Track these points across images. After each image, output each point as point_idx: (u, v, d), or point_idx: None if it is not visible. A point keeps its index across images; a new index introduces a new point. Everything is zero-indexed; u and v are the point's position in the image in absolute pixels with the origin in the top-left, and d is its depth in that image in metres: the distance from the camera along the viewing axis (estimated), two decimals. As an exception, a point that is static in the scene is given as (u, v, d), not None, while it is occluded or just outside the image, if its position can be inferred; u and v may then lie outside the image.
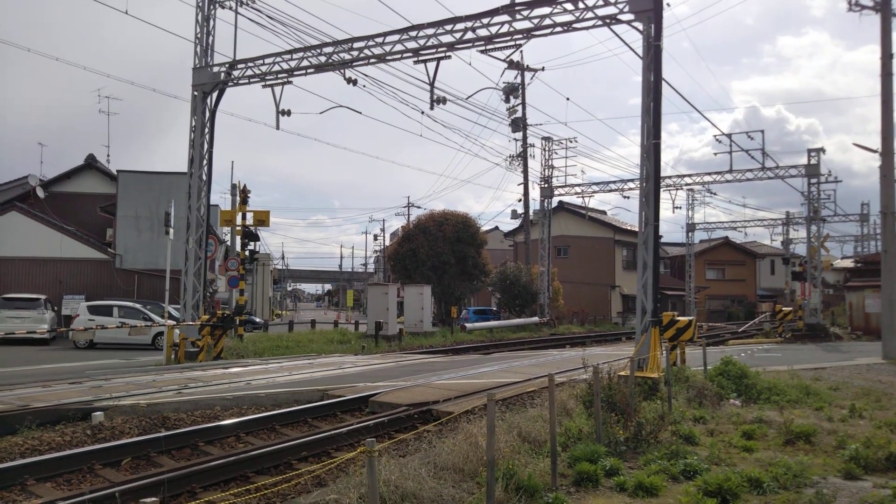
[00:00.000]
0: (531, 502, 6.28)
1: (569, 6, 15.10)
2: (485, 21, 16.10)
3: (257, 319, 40.75)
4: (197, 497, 6.64)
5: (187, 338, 18.40)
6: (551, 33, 15.84)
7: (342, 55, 18.08)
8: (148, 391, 11.53)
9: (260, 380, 13.54)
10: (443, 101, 18.61)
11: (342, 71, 18.82)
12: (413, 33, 16.93)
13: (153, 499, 3.29)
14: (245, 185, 22.88)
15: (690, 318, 15.27)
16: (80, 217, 34.53)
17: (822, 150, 34.42)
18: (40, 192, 33.74)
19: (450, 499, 6.16)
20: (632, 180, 37.43)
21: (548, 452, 7.30)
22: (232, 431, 9.29)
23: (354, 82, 19.28)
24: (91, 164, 36.90)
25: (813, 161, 34.25)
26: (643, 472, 7.26)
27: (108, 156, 41.11)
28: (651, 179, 13.81)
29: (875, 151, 21.17)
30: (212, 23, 19.99)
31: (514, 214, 46.62)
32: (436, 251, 36.93)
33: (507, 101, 41.04)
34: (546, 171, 39.63)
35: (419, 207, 68.36)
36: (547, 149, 39.77)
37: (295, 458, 8.15)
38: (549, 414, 7.15)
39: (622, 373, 10.60)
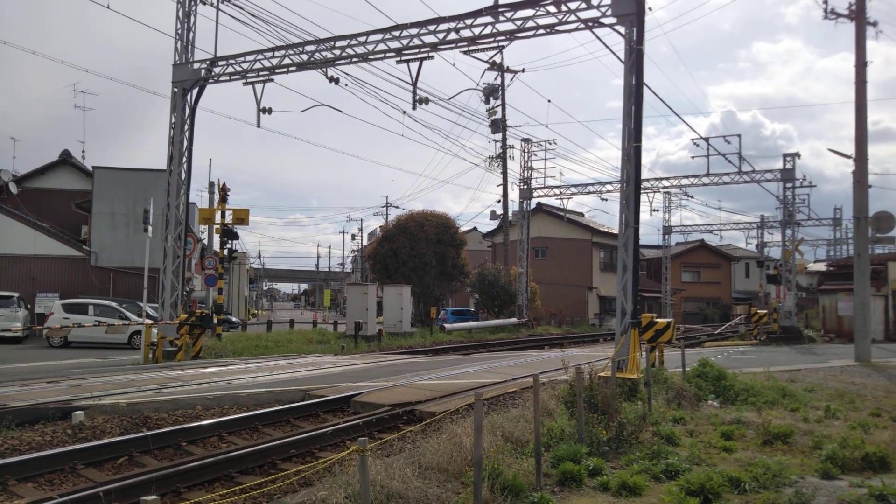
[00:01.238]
0: (516, 501, 6.33)
1: (552, 9, 15.19)
2: (468, 22, 16.16)
3: (234, 319, 40.47)
4: (182, 497, 6.61)
5: (165, 337, 18.24)
6: (534, 35, 15.95)
7: (324, 54, 18.04)
8: (128, 390, 11.42)
9: (240, 379, 13.47)
10: (425, 101, 18.64)
11: (324, 69, 18.79)
12: (396, 33, 16.94)
13: (154, 497, 3.27)
14: (224, 183, 22.73)
15: (669, 320, 15.43)
16: (55, 214, 34.04)
17: (796, 154, 34.96)
18: (13, 188, 33.22)
19: (435, 498, 6.19)
20: (609, 182, 37.76)
21: (531, 452, 7.35)
22: (214, 431, 9.23)
23: (336, 81, 19.26)
24: (66, 160, 36.42)
25: (788, 165, 34.74)
26: (626, 471, 7.34)
27: (84, 152, 40.61)
28: (631, 182, 13.93)
29: (849, 157, 21.53)
30: (192, 19, 19.84)
31: (493, 215, 46.79)
32: (417, 251, 36.94)
33: (486, 102, 41.23)
34: (525, 172, 39.81)
35: (397, 207, 68.44)
36: (526, 150, 39.96)
37: (279, 457, 8.14)
38: (534, 414, 7.20)
39: (603, 374, 10.71)
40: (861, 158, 20.81)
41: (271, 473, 7.41)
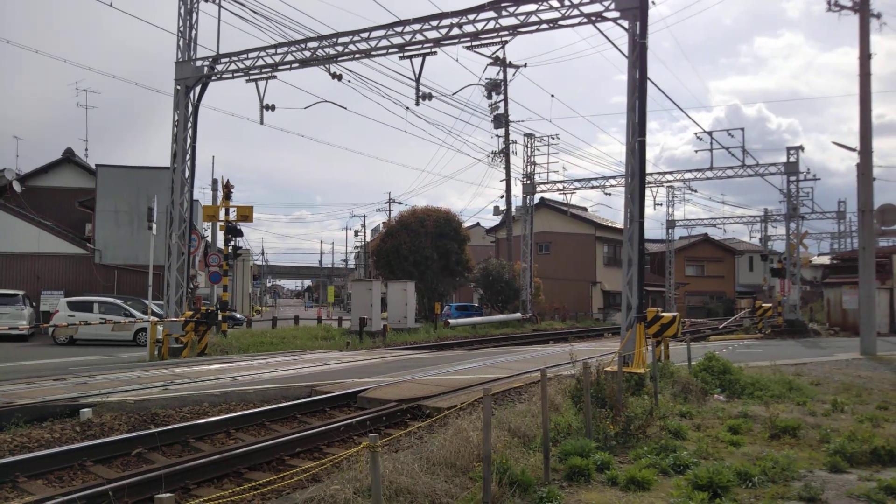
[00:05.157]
0: (525, 496, 6.33)
1: (555, 3, 15.13)
2: (471, 17, 16.10)
3: (238, 315, 40.55)
4: (191, 493, 6.62)
5: (171, 334, 18.27)
6: (537, 30, 15.88)
7: (327, 50, 18.00)
8: (134, 387, 11.45)
9: (246, 376, 13.49)
10: (428, 97, 18.62)
11: (327, 66, 18.76)
12: (399, 29, 16.89)
13: (168, 494, 3.27)
14: (228, 181, 22.79)
15: (674, 314, 15.41)
16: (58, 212, 34.11)
17: (801, 148, 34.82)
18: (17, 187, 33.33)
19: (443, 493, 6.19)
20: (613, 177, 37.68)
21: (538, 447, 7.35)
22: (222, 428, 9.25)
23: (339, 77, 19.23)
24: (69, 159, 36.51)
25: (792, 159, 34.63)
26: (634, 466, 7.34)
27: (87, 150, 40.79)
28: (636, 176, 13.90)
29: (853, 150, 21.47)
30: (195, 16, 19.80)
31: (497, 211, 46.74)
32: (419, 247, 36.87)
33: (489, 97, 41.15)
34: (528, 167, 39.74)
35: (400, 203, 68.44)
36: (529, 145, 39.89)
37: (287, 453, 8.14)
38: (542, 409, 7.20)
39: (609, 368, 10.69)
40: (865, 151, 20.76)
41: (279, 469, 7.42)
